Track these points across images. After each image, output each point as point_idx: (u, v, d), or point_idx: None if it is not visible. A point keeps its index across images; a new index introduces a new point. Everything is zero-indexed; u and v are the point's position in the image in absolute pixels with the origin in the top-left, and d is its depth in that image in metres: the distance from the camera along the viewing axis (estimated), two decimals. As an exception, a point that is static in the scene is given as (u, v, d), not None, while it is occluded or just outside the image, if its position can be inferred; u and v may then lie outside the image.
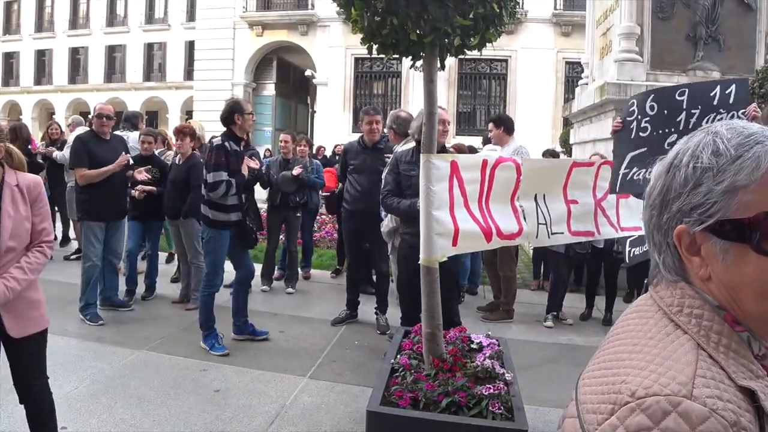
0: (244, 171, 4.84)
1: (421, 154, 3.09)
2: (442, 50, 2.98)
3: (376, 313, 5.56)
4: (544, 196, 3.66)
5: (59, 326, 4.83)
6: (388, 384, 2.91)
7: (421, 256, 3.08)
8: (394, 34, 2.80)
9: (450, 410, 2.67)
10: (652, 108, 3.42)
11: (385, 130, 5.11)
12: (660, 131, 3.38)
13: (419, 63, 3.05)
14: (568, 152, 11.77)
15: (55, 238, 8.55)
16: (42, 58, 36.27)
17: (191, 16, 29.59)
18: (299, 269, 7.30)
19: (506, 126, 6.02)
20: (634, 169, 3.48)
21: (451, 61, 20.78)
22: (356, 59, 22.96)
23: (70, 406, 3.62)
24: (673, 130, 3.30)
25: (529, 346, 5.20)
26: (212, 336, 4.80)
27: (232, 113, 4.72)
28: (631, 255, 4.95)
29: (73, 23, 35.24)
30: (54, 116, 30.24)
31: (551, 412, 3.84)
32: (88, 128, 7.05)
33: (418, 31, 2.76)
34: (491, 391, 2.71)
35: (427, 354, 3.08)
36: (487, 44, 2.97)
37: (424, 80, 3.05)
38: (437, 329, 3.08)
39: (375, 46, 2.93)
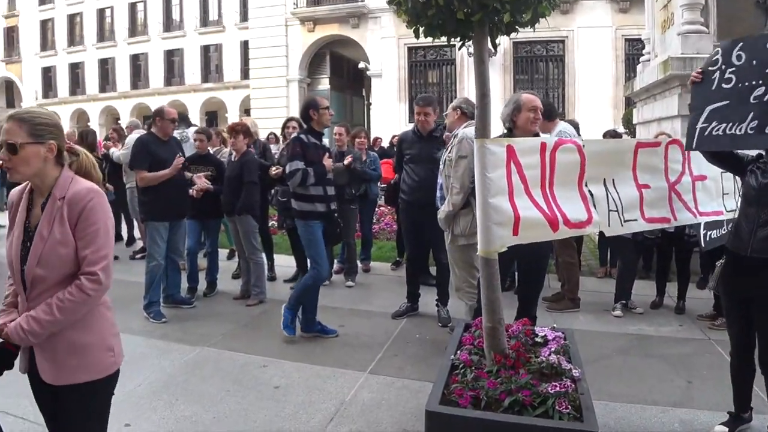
0: (328, 165, 4.96)
1: (475, 140, 2.94)
2: (492, 29, 2.82)
3: (437, 305, 5.43)
4: (613, 180, 3.42)
5: (124, 324, 4.90)
6: (448, 381, 2.79)
7: (479, 247, 2.92)
8: (440, 15, 2.65)
9: (513, 410, 2.51)
10: (739, 58, 3.11)
11: (448, 111, 4.98)
12: (746, 83, 3.07)
13: (470, 44, 2.89)
14: (632, 133, 11.28)
15: (121, 239, 8.87)
16: (105, 67, 38.00)
17: (244, 16, 30.13)
18: (358, 262, 7.25)
19: (544, 112, 5.71)
20: (713, 124, 3.18)
21: (505, 45, 20.34)
22: (409, 49, 22.79)
23: (132, 404, 3.67)
24: (761, 82, 2.99)
25: (597, 337, 4.96)
26: (292, 312, 4.88)
27: (307, 109, 4.95)
28: (707, 239, 4.63)
29: (132, 31, 36.65)
30: (119, 121, 31.56)
31: (622, 407, 3.64)
32: (145, 130, 7.22)
33: (465, 10, 2.60)
34: (557, 389, 2.53)
35: (489, 349, 2.93)
36: (541, 20, 2.77)
37: (474, 61, 2.89)
38: (499, 323, 2.93)
39: (421, 29, 2.79)
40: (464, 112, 4.77)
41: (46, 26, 40.31)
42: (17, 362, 2.13)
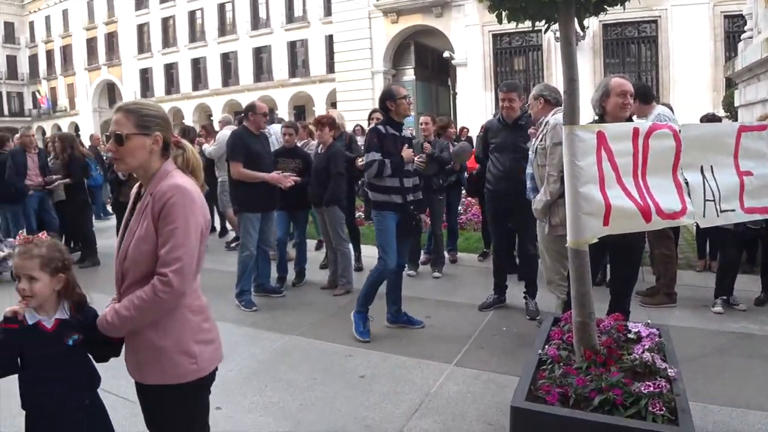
0: (407, 156, 4.91)
1: (563, 127, 2.83)
2: (579, 9, 2.69)
3: (525, 298, 5.31)
4: (711, 167, 3.18)
5: (218, 312, 5.13)
6: (535, 377, 2.71)
7: (569, 238, 2.81)
8: (522, -4, 2.57)
9: (603, 409, 2.39)
10: None
11: (530, 101, 4.80)
12: None
13: (556, 28, 2.78)
14: (733, 116, 10.49)
15: (214, 230, 9.29)
16: (197, 66, 40.00)
17: (328, 11, 30.63)
18: (445, 252, 7.21)
19: (639, 95, 5.37)
20: None
21: (594, 28, 19.47)
22: (494, 36, 22.29)
23: (224, 388, 3.81)
24: None
25: (695, 334, 4.67)
26: (361, 316, 4.85)
27: (384, 100, 4.91)
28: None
29: (222, 31, 38.24)
30: (211, 118, 33.10)
31: (721, 411, 3.40)
32: (236, 125, 7.49)
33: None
34: (651, 389, 2.38)
35: (578, 345, 2.82)
36: (631, -1, 2.62)
37: (561, 43, 2.77)
38: (589, 318, 2.81)
39: (504, 13, 2.71)
40: (548, 99, 4.58)
41: (142, 30, 42.93)
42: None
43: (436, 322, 5.14)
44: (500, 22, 2.80)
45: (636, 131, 2.94)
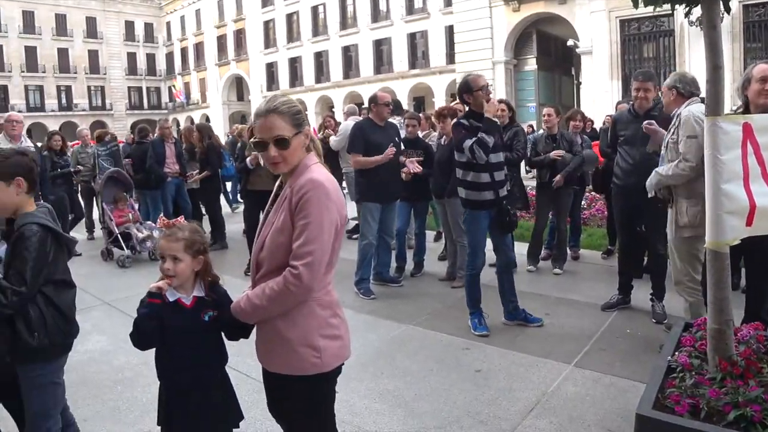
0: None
1: (705, 117, 2.62)
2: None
3: (651, 300, 5.00)
4: None
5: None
6: (663, 385, 2.54)
7: (707, 238, 2.61)
8: (663, -20, 2.41)
9: (738, 425, 2.20)
10: None
11: (663, 90, 4.46)
12: None
13: (696, 12, 2.58)
14: None
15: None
16: (320, 59, 41.46)
17: (448, 1, 30.48)
18: (567, 249, 6.98)
19: None
20: None
21: (734, 10, 17.81)
22: (621, 22, 21.16)
23: (341, 373, 3.94)
24: None
25: None
26: (476, 315, 4.82)
27: (461, 94, 4.81)
28: None
29: (343, 24, 39.29)
30: (332, 109, 34.14)
31: None
32: (360, 117, 7.66)
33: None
34: (797, 407, 2.18)
35: (713, 354, 2.62)
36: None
37: (704, 27, 2.57)
38: (726, 326, 2.59)
39: (642, -1, 2.56)
40: (680, 92, 4.23)
41: (268, 26, 45.18)
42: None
43: (555, 320, 4.99)
44: (636, 6, 2.64)
45: (788, 123, 2.67)
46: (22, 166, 2.50)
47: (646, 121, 4.59)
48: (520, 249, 6.74)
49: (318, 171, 2.09)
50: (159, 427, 2.41)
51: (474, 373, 3.99)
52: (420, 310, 5.37)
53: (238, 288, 2.42)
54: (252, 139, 2.08)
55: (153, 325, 2.25)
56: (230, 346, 2.45)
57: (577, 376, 3.89)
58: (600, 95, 21.07)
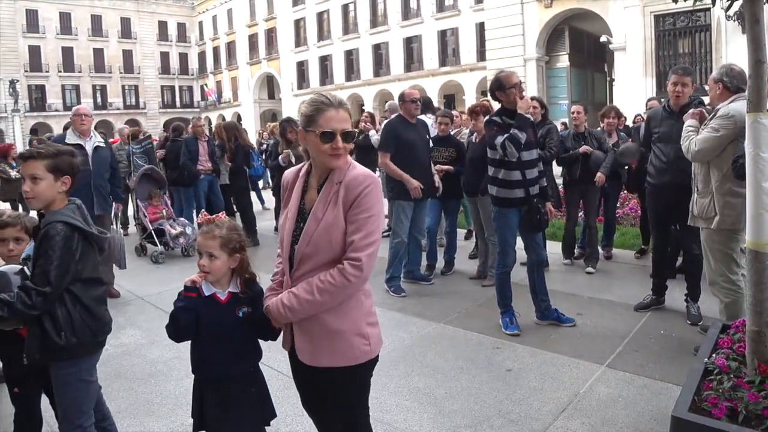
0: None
1: (747, 114, 2.56)
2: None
3: (686, 301, 4.91)
4: None
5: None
6: (700, 387, 2.49)
7: (747, 238, 2.56)
8: (705, -27, 2.35)
9: (778, 430, 2.15)
10: None
11: (710, 84, 4.30)
12: None
13: (735, 7, 2.51)
14: None
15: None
16: (350, 57, 41.62)
17: (480, -2, 30.24)
18: (600, 248, 6.90)
19: None
20: None
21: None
22: (656, 17, 20.73)
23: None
24: None
25: None
26: (507, 314, 4.80)
27: (493, 92, 4.77)
28: None
29: (374, 22, 39.41)
30: (363, 107, 34.20)
31: None
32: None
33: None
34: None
35: (752, 356, 2.55)
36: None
37: (747, 22, 2.50)
38: (766, 328, 2.53)
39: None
40: (726, 86, 4.09)
41: (299, 25, 45.54)
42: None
43: (587, 320, 4.92)
44: (675, 1, 2.59)
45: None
46: (73, 166, 2.54)
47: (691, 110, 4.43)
48: (552, 248, 6.69)
49: (361, 167, 2.17)
50: (192, 420, 2.45)
51: (505, 373, 3.97)
52: (450, 308, 5.36)
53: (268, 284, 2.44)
54: (322, 129, 2.08)
55: (189, 318, 2.29)
56: (263, 342, 2.48)
57: (610, 377, 3.83)
58: (633, 92, 20.67)
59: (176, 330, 2.34)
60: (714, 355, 2.73)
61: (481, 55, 29.94)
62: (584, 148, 6.31)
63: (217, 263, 2.31)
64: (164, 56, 57.68)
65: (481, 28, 29.37)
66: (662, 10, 19.95)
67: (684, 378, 2.68)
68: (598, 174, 6.27)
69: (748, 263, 2.60)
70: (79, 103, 52.01)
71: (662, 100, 5.16)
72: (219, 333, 2.32)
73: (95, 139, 6.18)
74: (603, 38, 22.58)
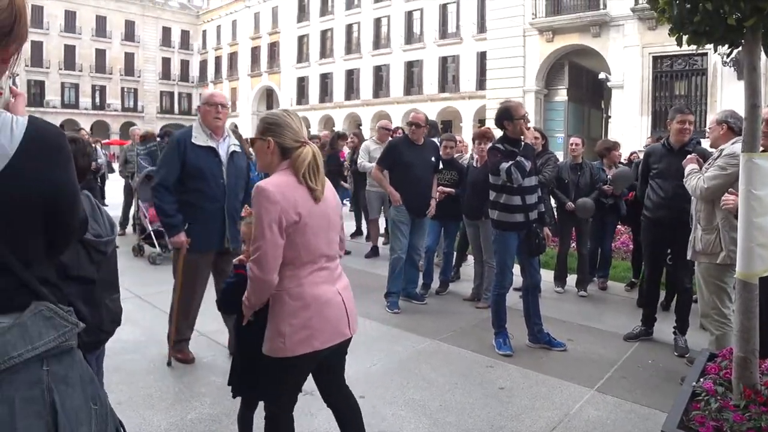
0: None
1: (741, 154, 2.74)
2: (765, 34, 2.61)
3: (674, 333, 5.06)
4: None
5: (363, 309, 5.41)
6: (688, 408, 2.63)
7: (738, 269, 2.72)
8: (707, 21, 2.53)
9: (762, 450, 2.29)
10: None
11: (712, 126, 4.49)
12: None
13: (732, 55, 2.70)
14: None
15: (360, 233, 9.82)
16: (351, 77, 42.05)
17: (482, 28, 30.94)
18: (595, 279, 7.13)
19: None
20: None
21: (771, 53, 17.80)
22: (654, 58, 21.22)
23: (367, 380, 4.08)
24: None
25: None
26: (501, 335, 4.92)
27: (500, 120, 4.92)
28: None
29: (376, 44, 39.99)
30: (360, 127, 34.55)
31: None
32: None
33: (736, 15, 2.45)
34: (821, 436, 2.26)
35: (737, 381, 2.70)
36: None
37: (745, 69, 2.69)
38: (752, 355, 2.68)
39: (685, 37, 2.69)
40: (731, 127, 4.28)
41: (302, 41, 46.09)
42: None
43: (578, 346, 5.06)
44: (680, 45, 2.77)
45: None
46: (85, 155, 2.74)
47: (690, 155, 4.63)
48: (545, 276, 6.84)
49: (275, 176, 2.41)
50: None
51: (498, 390, 4.08)
52: (445, 326, 5.48)
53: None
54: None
55: (238, 292, 2.50)
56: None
57: (599, 401, 3.96)
58: (629, 130, 21.07)
59: (225, 304, 2.66)
60: (702, 379, 2.88)
61: (481, 84, 30.44)
62: (569, 206, 6.66)
63: None
64: (166, 62, 58.02)
65: (482, 57, 29.89)
66: (661, 52, 20.46)
67: (670, 405, 2.82)
68: (606, 187, 6.60)
69: (737, 293, 2.76)
70: (77, 101, 52.08)
71: (661, 136, 5.34)
72: (264, 311, 2.49)
73: (230, 141, 4.37)
74: (602, 75, 23.03)
